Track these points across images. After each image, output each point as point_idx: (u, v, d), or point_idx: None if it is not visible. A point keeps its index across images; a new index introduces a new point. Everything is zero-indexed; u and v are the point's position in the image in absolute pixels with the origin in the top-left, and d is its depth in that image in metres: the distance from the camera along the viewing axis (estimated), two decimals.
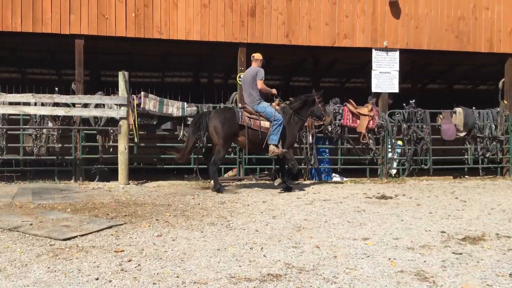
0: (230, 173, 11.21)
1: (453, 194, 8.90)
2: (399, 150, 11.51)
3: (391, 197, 8.30)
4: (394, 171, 11.45)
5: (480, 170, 11.87)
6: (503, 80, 12.51)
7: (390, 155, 11.38)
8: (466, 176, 11.77)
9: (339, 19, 11.38)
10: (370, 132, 11.16)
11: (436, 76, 19.93)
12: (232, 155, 10.86)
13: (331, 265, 4.32)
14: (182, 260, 4.40)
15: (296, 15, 11.19)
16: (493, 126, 11.88)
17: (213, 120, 8.69)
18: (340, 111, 11.13)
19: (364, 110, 11.16)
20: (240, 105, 10.56)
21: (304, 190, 9.14)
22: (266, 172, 11.11)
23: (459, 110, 11.79)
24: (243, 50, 11.05)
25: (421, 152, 11.47)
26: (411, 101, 11.62)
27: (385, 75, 11.63)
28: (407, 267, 4.27)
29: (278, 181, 9.09)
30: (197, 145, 9.56)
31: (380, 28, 11.59)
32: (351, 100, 11.34)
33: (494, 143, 11.93)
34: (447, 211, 7.07)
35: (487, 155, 11.93)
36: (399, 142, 11.51)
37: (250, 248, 4.83)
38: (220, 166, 10.86)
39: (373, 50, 11.60)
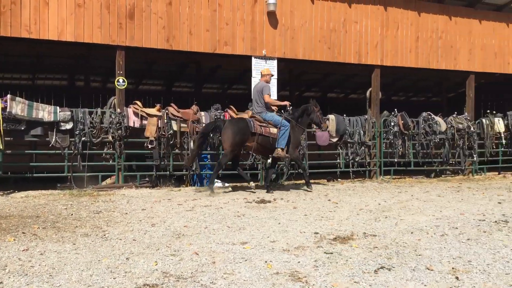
0: (108, 180, 10.75)
1: (327, 196, 9.41)
2: None
3: (269, 201, 8.55)
4: (273, 176, 11.79)
5: (351, 173, 12.72)
6: (370, 89, 13.57)
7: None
8: (338, 179, 12.53)
9: (219, 26, 11.52)
10: None
11: (311, 84, 21.04)
12: (110, 161, 10.48)
13: (210, 271, 4.32)
14: (50, 275, 4.11)
15: (177, 20, 11.11)
16: (362, 132, 12.81)
17: (228, 129, 9.49)
18: (222, 117, 11.25)
19: (245, 116, 11.38)
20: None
21: (185, 196, 9.07)
22: (147, 179, 10.84)
23: (331, 117, 12.53)
24: (121, 53, 10.70)
25: None
26: (288, 108, 12.08)
27: None
28: (282, 269, 4.41)
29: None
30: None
31: (259, 37, 11.94)
32: (232, 106, 11.57)
33: (363, 148, 12.86)
34: (321, 212, 7.45)
35: (356, 159, 12.81)
36: None
37: (126, 259, 4.66)
38: (97, 173, 10.43)
39: (253, 58, 11.90)
